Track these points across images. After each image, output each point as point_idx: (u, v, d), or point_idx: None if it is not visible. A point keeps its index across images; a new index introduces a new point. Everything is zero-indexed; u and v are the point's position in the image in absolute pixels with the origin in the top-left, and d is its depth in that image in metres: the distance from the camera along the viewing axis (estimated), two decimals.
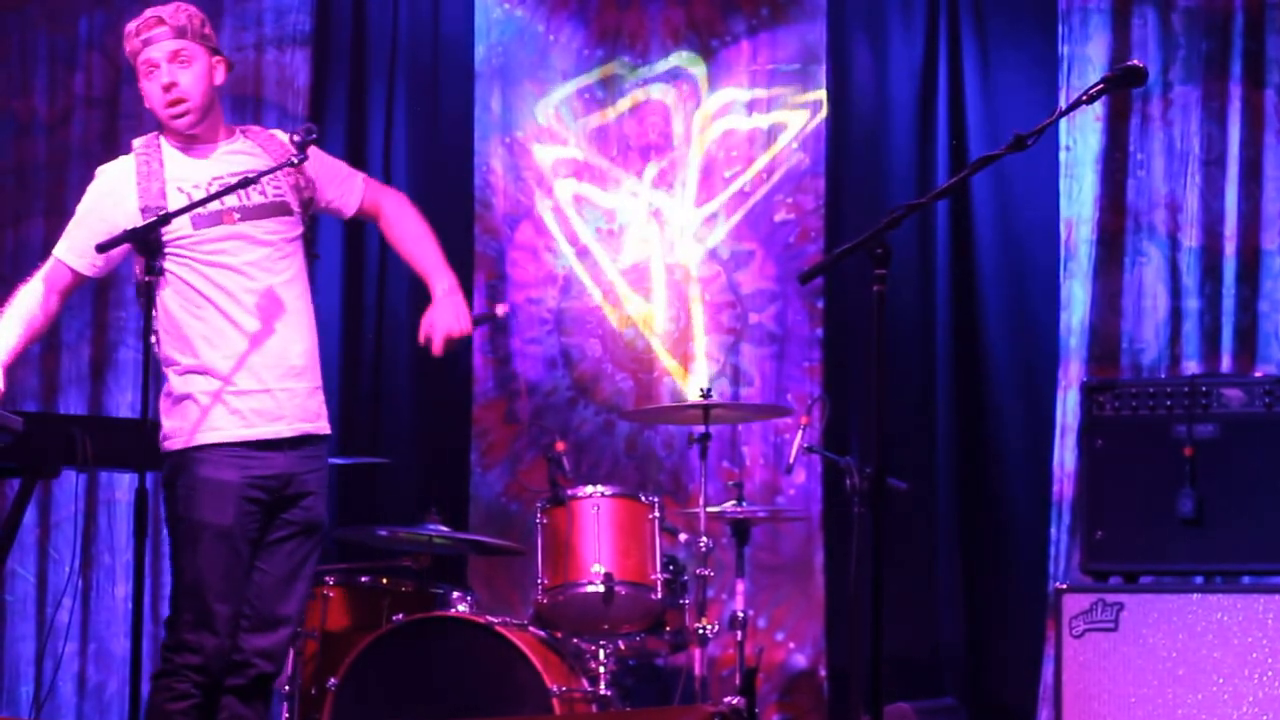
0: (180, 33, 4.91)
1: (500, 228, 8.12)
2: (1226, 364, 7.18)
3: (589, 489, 6.51)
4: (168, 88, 4.88)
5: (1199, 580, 6.44)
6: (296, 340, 4.88)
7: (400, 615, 6.23)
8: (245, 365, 4.77)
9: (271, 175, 4.87)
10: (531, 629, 6.26)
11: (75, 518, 7.99)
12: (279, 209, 4.90)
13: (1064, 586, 6.37)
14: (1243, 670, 6.06)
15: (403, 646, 6.12)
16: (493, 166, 8.14)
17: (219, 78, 4.97)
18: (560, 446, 6.73)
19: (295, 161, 4.81)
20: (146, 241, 4.67)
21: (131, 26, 4.96)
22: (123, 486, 8.13)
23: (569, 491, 6.50)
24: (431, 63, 8.13)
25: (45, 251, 8.26)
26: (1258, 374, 6.80)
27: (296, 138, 4.84)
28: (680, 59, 8.05)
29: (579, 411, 8.01)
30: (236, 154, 4.95)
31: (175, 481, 4.78)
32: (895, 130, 7.65)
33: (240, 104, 8.31)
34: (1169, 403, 6.39)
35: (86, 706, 8.18)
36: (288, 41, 8.33)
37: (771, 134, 7.94)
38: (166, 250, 4.77)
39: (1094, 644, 6.22)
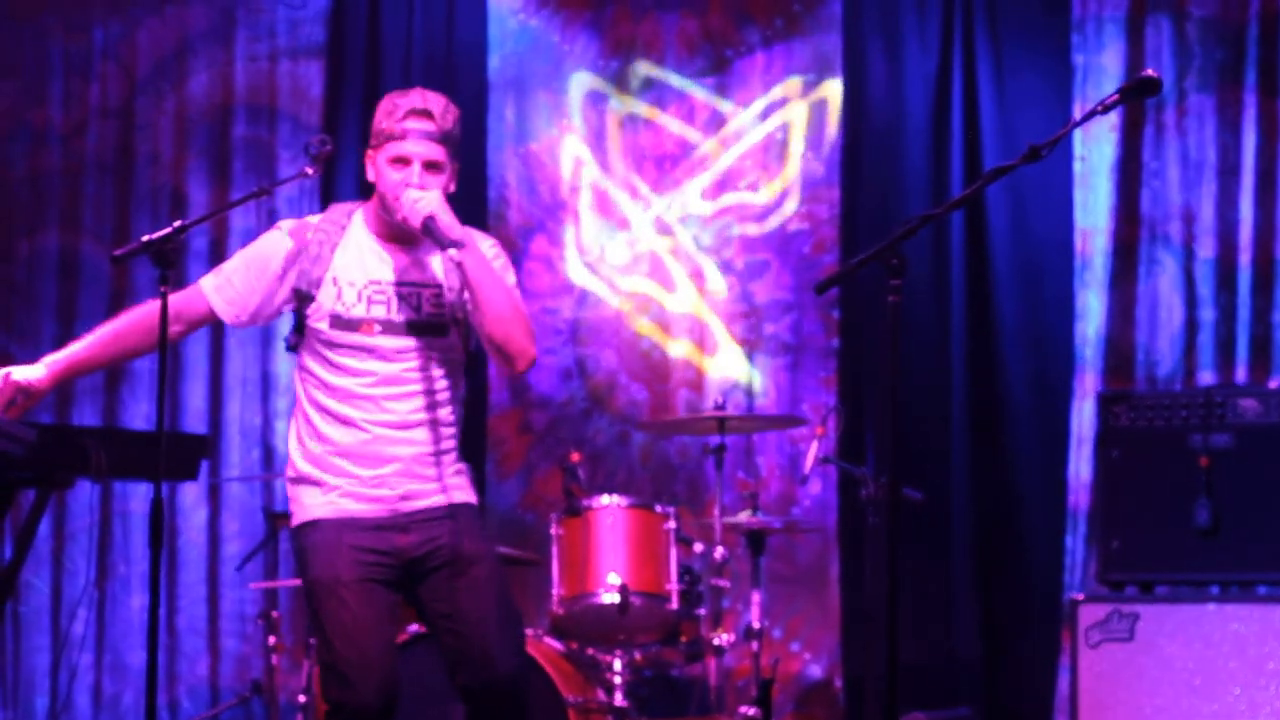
0: (445, 139, 4.74)
1: (514, 239, 8.12)
2: (1242, 374, 7.18)
3: (604, 499, 6.51)
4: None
5: (1215, 590, 6.42)
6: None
7: (414, 626, 6.23)
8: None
9: (433, 290, 4.73)
10: (547, 640, 6.26)
11: (90, 529, 8.00)
12: (431, 328, 4.75)
13: (1080, 597, 6.36)
14: (1259, 680, 6.05)
15: (417, 657, 6.11)
16: (507, 178, 8.15)
17: (453, 186, 4.80)
18: (575, 457, 6.72)
19: (309, 173, 4.79)
20: (161, 253, 4.64)
21: (397, 104, 4.75)
22: (138, 497, 8.14)
23: (584, 502, 6.50)
24: (445, 73, 8.13)
25: (60, 260, 8.38)
26: (1273, 384, 6.80)
27: (311, 149, 4.80)
28: (695, 69, 8.05)
29: (594, 422, 8.01)
30: (417, 262, 4.78)
31: None
32: (910, 140, 7.64)
33: (254, 114, 8.33)
34: (1184, 413, 6.38)
35: (102, 718, 8.18)
36: (302, 52, 8.35)
37: (786, 144, 7.94)
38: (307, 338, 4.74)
39: (1110, 654, 6.22)
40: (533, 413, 8.07)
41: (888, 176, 7.67)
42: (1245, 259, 7.24)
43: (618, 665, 6.28)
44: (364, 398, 4.69)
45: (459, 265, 4.62)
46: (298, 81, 8.34)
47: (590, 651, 6.35)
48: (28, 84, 8.51)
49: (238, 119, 8.34)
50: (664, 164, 8.06)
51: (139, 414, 8.26)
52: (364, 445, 4.68)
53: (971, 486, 7.43)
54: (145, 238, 4.70)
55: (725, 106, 8.01)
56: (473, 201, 8.10)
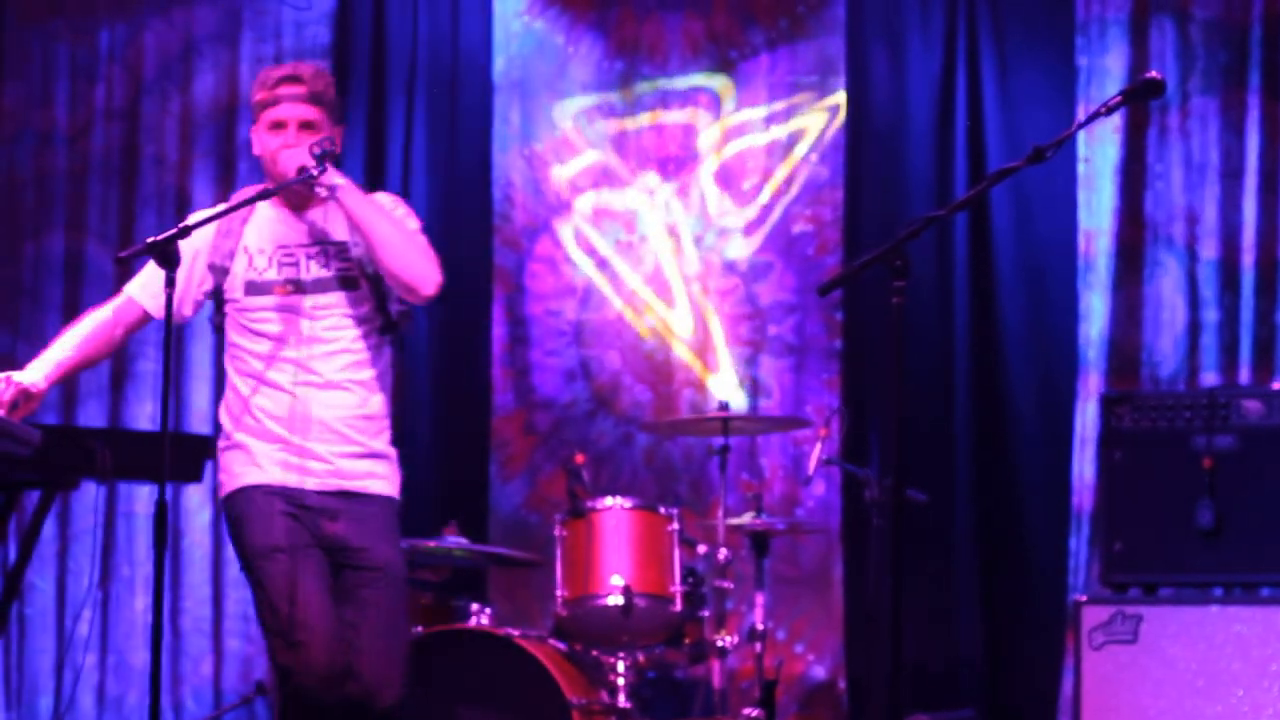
0: (317, 99, 4.90)
1: (519, 240, 8.13)
2: (1245, 376, 7.18)
3: (608, 501, 6.51)
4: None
5: (1218, 592, 6.42)
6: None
7: (420, 628, 6.24)
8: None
9: (338, 246, 4.88)
10: (551, 641, 6.27)
11: (94, 530, 8.01)
12: (342, 282, 4.89)
13: (1083, 598, 6.36)
14: (1262, 682, 6.05)
15: (422, 659, 6.12)
16: (511, 179, 8.16)
17: (336, 148, 4.91)
18: (579, 459, 6.73)
19: (314, 174, 4.81)
20: (165, 254, 4.66)
21: (269, 75, 4.93)
22: (142, 499, 8.15)
23: (588, 504, 6.50)
24: (450, 75, 8.15)
25: (66, 262, 8.39)
26: (1276, 385, 6.79)
27: (316, 150, 4.82)
28: (699, 71, 8.06)
29: (598, 423, 8.02)
30: (320, 222, 4.93)
31: None
32: (914, 142, 7.65)
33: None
34: (1188, 414, 6.38)
35: (106, 718, 8.19)
36: (307, 54, 8.35)
37: (790, 145, 7.94)
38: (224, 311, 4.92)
39: (1113, 656, 6.22)
40: (537, 414, 8.08)
41: (891, 178, 7.68)
42: (1248, 260, 7.24)
43: (621, 667, 6.29)
44: (287, 360, 4.82)
45: (340, 203, 4.77)
46: None
47: (594, 653, 6.35)
48: (34, 86, 8.53)
49: (243, 120, 8.34)
50: (668, 165, 8.07)
51: (143, 415, 8.28)
52: (291, 407, 4.79)
53: (975, 488, 7.43)
54: (150, 239, 4.71)
55: (729, 107, 8.02)
56: (478, 202, 8.12)
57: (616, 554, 6.40)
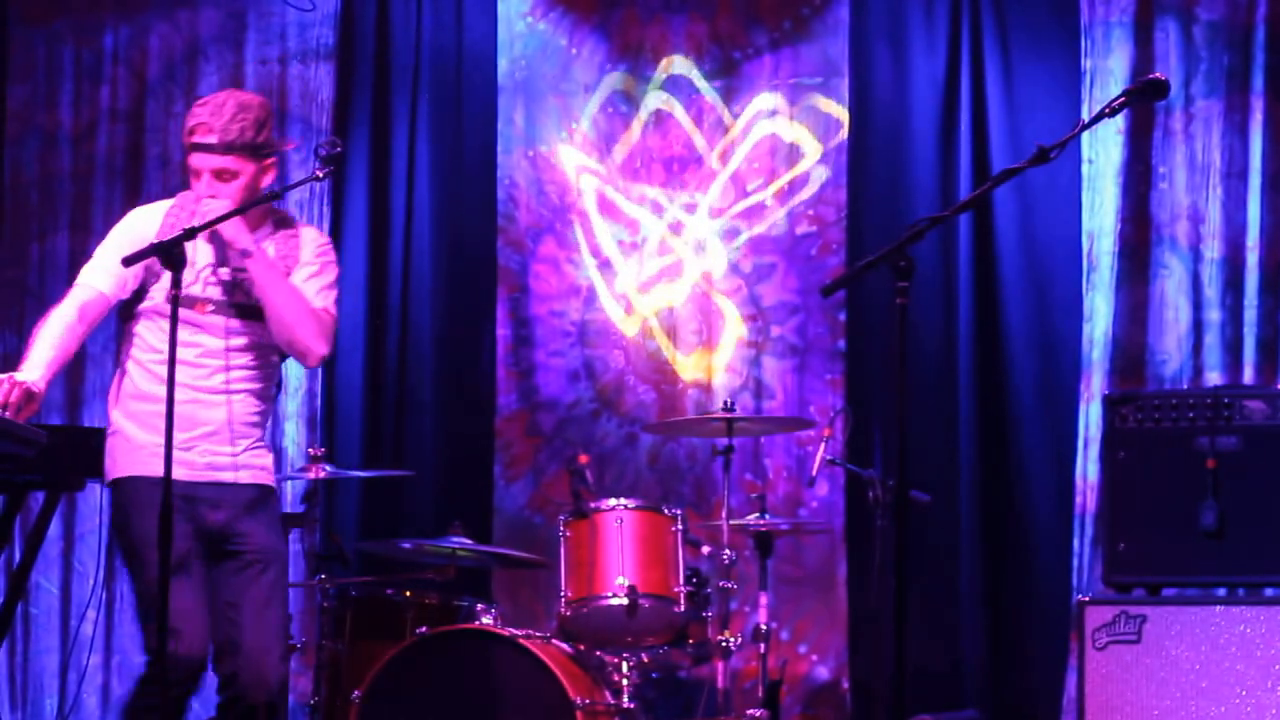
0: (228, 149, 5.03)
1: (523, 240, 8.14)
2: (1249, 376, 7.18)
3: (612, 502, 6.52)
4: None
5: (1222, 592, 6.43)
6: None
7: (424, 628, 6.25)
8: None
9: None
10: (555, 642, 6.27)
11: (99, 530, 8.00)
12: (255, 312, 5.10)
13: (1086, 599, 6.36)
14: (1266, 682, 6.05)
15: (427, 659, 6.13)
16: (516, 180, 8.16)
17: (266, 180, 5.14)
18: (583, 459, 6.74)
19: (320, 176, 4.82)
20: (171, 255, 4.68)
21: (189, 122, 5.08)
22: None
23: (592, 504, 6.51)
24: (455, 76, 8.15)
25: (71, 263, 8.40)
26: None
27: (321, 151, 4.85)
28: (703, 72, 8.06)
29: (602, 424, 8.02)
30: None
31: None
32: (917, 143, 7.65)
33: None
34: (1191, 415, 6.38)
35: (110, 719, 8.20)
36: (311, 55, 8.36)
37: (793, 146, 7.95)
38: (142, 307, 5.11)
39: (1117, 656, 6.22)
40: (540, 414, 8.09)
41: (895, 179, 7.68)
42: (1252, 261, 7.25)
43: (625, 667, 6.29)
44: (188, 364, 5.01)
45: (248, 269, 5.02)
46: (308, 84, 8.36)
47: (598, 653, 6.36)
48: (38, 87, 8.54)
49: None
50: (672, 166, 8.08)
51: None
52: (181, 405, 4.88)
53: (978, 488, 7.43)
54: (155, 241, 4.72)
55: (733, 108, 8.02)
56: (482, 203, 8.13)
57: (620, 554, 6.41)
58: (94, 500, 7.70)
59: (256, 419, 5.17)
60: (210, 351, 5.06)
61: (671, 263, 8.05)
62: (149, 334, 5.09)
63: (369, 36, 8.19)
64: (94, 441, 5.70)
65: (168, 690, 4.80)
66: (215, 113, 5.03)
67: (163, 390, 4.83)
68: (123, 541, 5.08)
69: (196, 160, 5.05)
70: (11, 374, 4.87)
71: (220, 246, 5.08)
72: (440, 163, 8.12)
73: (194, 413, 5.04)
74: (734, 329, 7.94)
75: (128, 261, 4.78)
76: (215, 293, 5.07)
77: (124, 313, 5.17)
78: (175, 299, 4.68)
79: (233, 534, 5.07)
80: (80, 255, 8.34)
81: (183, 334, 4.92)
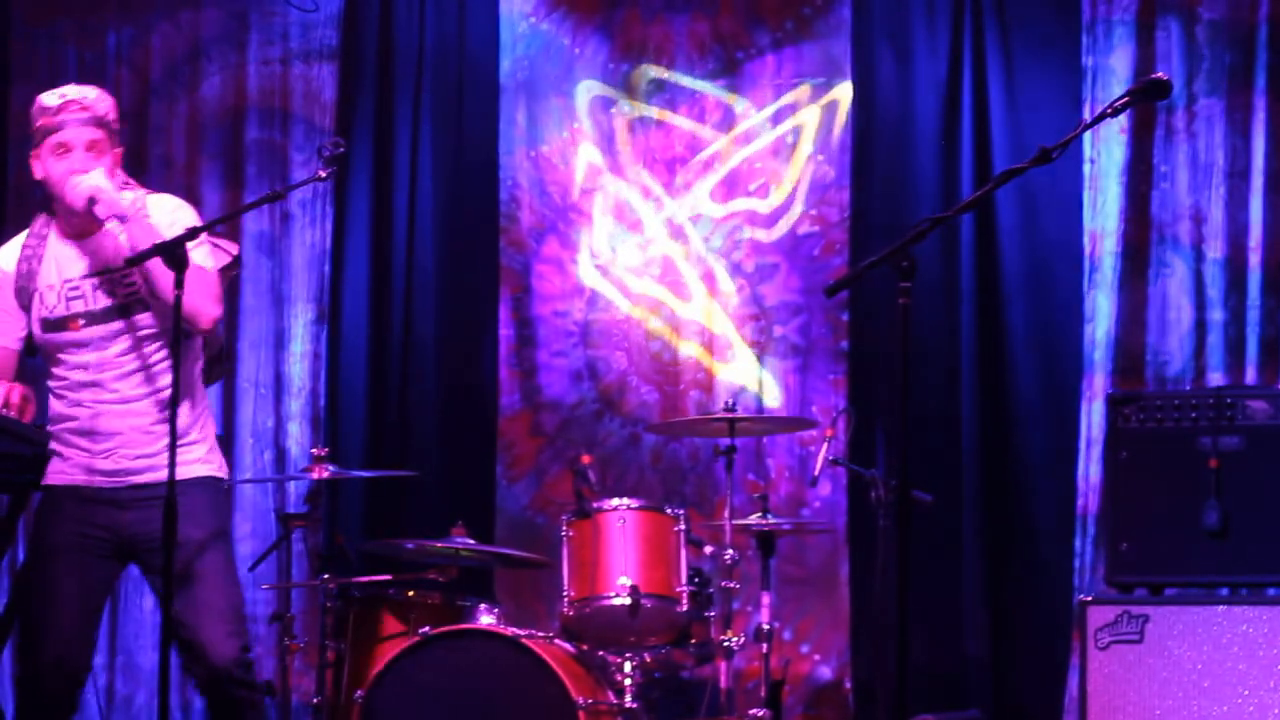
0: (99, 123, 5.03)
1: (526, 241, 8.14)
2: (1251, 376, 7.18)
3: (615, 502, 6.52)
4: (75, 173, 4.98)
5: (1224, 592, 6.43)
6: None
7: (427, 628, 6.24)
8: None
9: (122, 272, 4.99)
10: (557, 642, 6.27)
11: None
12: (129, 308, 5.02)
13: (1089, 599, 6.36)
14: (1268, 682, 6.06)
15: (429, 659, 6.13)
16: (518, 180, 8.17)
17: (116, 172, 5.09)
18: (586, 459, 6.74)
19: (322, 176, 4.82)
20: (173, 256, 4.67)
21: (49, 100, 5.07)
22: None
23: (595, 504, 6.51)
24: (457, 76, 8.15)
25: None
26: None
27: (324, 151, 4.84)
28: (705, 72, 8.07)
29: (605, 424, 8.03)
30: (101, 250, 5.05)
31: None
32: (919, 143, 7.65)
33: (266, 117, 8.36)
34: (1194, 415, 6.38)
35: (114, 718, 8.20)
36: (314, 56, 8.37)
37: (796, 146, 7.95)
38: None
39: (1119, 656, 6.22)
40: (543, 415, 8.09)
41: (897, 179, 7.68)
42: (1255, 260, 7.26)
43: (628, 667, 6.29)
44: (85, 384, 4.97)
45: (127, 235, 4.89)
46: (310, 84, 8.36)
47: (600, 653, 6.36)
48: (41, 88, 8.48)
49: (250, 122, 8.37)
50: (674, 166, 8.08)
51: None
52: (90, 422, 4.94)
53: (981, 488, 7.44)
54: (158, 241, 4.72)
55: (736, 109, 8.03)
56: (485, 204, 8.13)
57: (623, 554, 6.41)
58: None
59: (171, 416, 4.92)
60: (100, 364, 4.97)
61: (674, 263, 8.04)
62: (46, 361, 5.07)
63: (372, 37, 8.20)
64: None
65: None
66: (80, 91, 5.06)
67: (66, 409, 4.97)
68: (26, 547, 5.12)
69: (68, 134, 4.98)
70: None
71: (72, 253, 5.01)
72: (443, 163, 8.12)
73: (104, 425, 4.97)
74: (736, 329, 7.94)
75: (131, 262, 4.76)
76: (80, 305, 4.98)
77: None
78: (178, 299, 4.67)
79: (145, 530, 4.95)
80: None
81: (68, 357, 4.96)
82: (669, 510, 6.56)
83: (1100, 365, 7.39)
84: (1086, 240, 7.44)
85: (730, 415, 6.67)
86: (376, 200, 8.09)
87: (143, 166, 8.42)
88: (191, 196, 8.31)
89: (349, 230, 8.07)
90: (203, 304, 4.94)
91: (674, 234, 8.05)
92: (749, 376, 7.91)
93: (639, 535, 6.45)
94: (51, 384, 5.06)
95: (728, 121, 8.04)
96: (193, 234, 4.72)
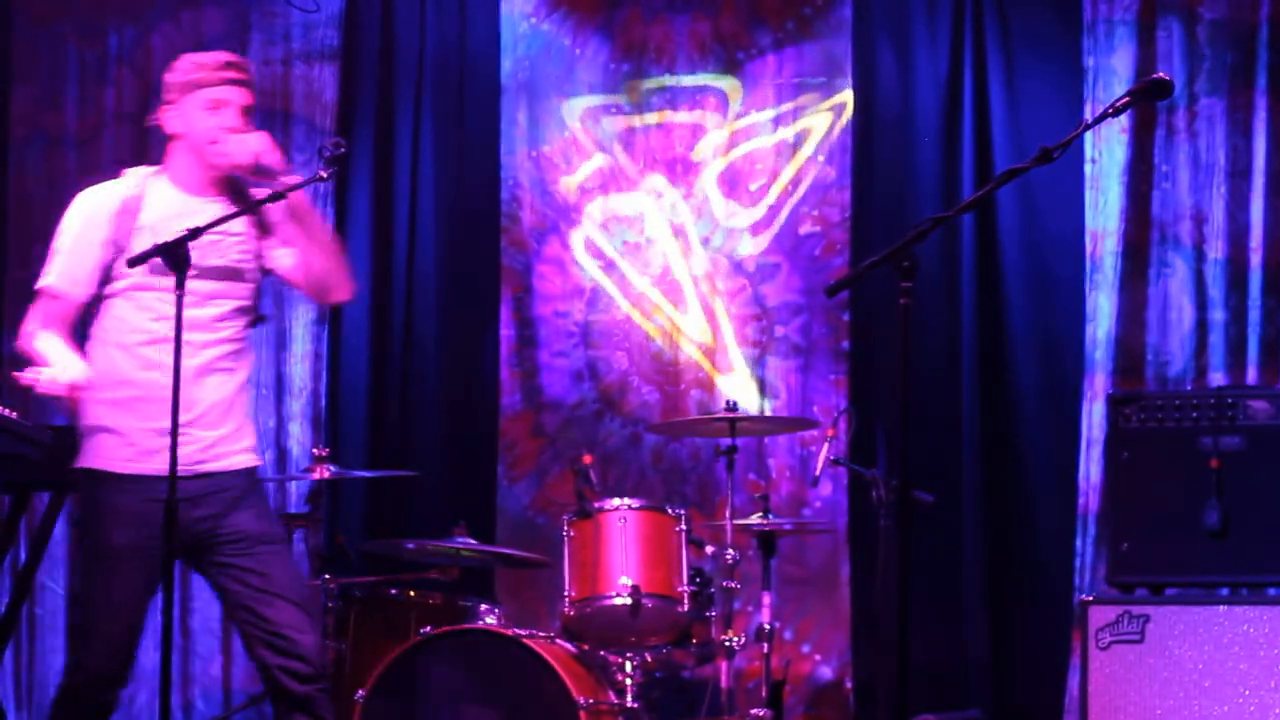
0: (253, 94, 5.01)
1: (527, 241, 8.15)
2: (1252, 376, 7.18)
3: (616, 502, 6.53)
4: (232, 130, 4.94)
5: (1225, 592, 6.43)
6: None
7: (428, 628, 6.25)
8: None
9: (237, 238, 4.97)
10: (559, 641, 6.28)
11: None
12: (235, 274, 4.99)
13: (1090, 598, 6.37)
14: (1269, 682, 6.06)
15: (430, 659, 6.14)
16: (519, 180, 8.17)
17: None
18: (587, 459, 6.74)
19: (324, 176, 4.83)
20: (175, 256, 4.67)
21: (205, 58, 5.01)
22: None
23: (596, 504, 6.52)
24: (458, 77, 8.16)
25: None
26: None
27: (325, 152, 4.85)
28: (706, 72, 8.07)
29: (606, 424, 8.03)
30: (220, 208, 4.99)
31: None
32: (920, 143, 7.66)
33: (268, 118, 8.34)
34: (1195, 415, 6.39)
35: (115, 718, 8.19)
36: (315, 56, 8.37)
37: (797, 146, 7.95)
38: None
39: (1120, 656, 6.22)
40: (544, 415, 8.09)
41: (898, 179, 7.68)
42: (1256, 260, 7.26)
43: (629, 667, 6.30)
44: (171, 341, 4.74)
45: (287, 202, 4.86)
46: (311, 85, 8.36)
47: (601, 653, 6.36)
48: (43, 89, 8.55)
49: (253, 121, 8.36)
50: (675, 166, 8.08)
51: None
52: (162, 389, 4.73)
53: (981, 488, 7.44)
54: (159, 241, 4.72)
55: (736, 109, 8.03)
56: (486, 204, 8.13)
57: (624, 554, 6.41)
58: None
59: (244, 397, 5.00)
60: (193, 323, 4.81)
61: (675, 263, 8.05)
62: (129, 314, 4.91)
63: (373, 37, 8.20)
64: None
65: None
66: (237, 57, 5.02)
67: (151, 375, 4.80)
68: (85, 538, 4.96)
69: (228, 92, 4.93)
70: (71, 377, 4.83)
71: (187, 206, 4.91)
72: (444, 163, 8.12)
73: (189, 393, 4.81)
74: (738, 329, 7.94)
75: (133, 262, 4.75)
76: (194, 255, 4.76)
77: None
78: (179, 299, 4.66)
79: (215, 526, 4.89)
80: None
81: (165, 307, 4.78)
82: (670, 510, 6.56)
83: (1101, 365, 7.39)
84: (1087, 240, 7.45)
85: (731, 415, 6.68)
86: (377, 200, 8.10)
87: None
88: None
89: (350, 230, 8.07)
90: (345, 272, 5.07)
91: (675, 233, 8.05)
92: (750, 376, 7.90)
93: (640, 535, 6.45)
94: (121, 339, 4.91)
95: (728, 122, 8.04)
96: (194, 234, 4.71)
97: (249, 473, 5.04)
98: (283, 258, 5.04)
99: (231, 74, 4.95)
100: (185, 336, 4.72)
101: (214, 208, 4.93)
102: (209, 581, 5.02)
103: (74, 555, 5.08)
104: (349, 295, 5.12)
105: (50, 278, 4.97)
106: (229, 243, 4.94)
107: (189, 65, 5.00)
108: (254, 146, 4.86)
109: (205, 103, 4.94)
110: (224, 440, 4.96)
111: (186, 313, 4.71)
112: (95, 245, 4.91)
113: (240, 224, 4.95)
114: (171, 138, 5.05)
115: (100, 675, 4.86)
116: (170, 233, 4.76)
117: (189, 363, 4.80)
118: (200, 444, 4.90)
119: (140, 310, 4.90)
